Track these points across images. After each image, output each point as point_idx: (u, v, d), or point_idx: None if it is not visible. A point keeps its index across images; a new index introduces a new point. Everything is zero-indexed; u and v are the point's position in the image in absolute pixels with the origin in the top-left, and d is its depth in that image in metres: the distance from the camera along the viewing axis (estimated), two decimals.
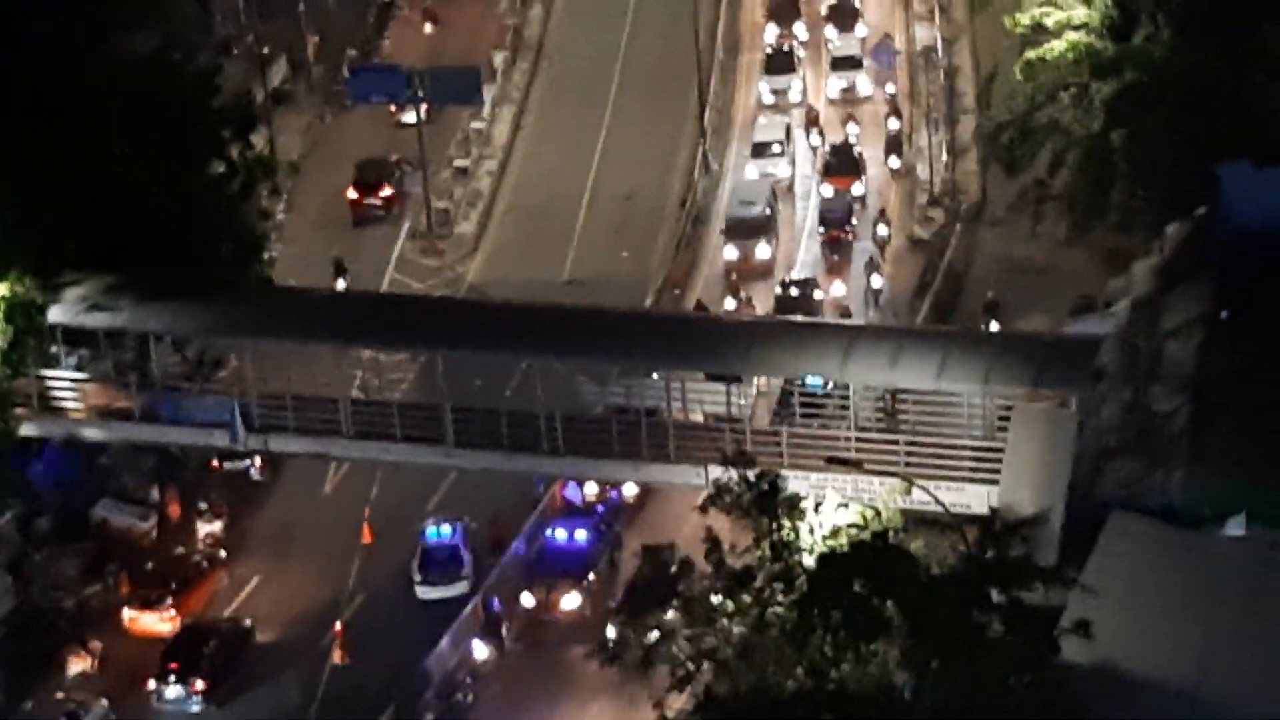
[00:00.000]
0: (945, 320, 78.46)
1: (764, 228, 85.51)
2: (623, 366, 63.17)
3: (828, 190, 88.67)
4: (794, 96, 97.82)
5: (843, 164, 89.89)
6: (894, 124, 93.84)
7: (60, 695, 64.27)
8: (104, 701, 64.21)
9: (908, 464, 57.93)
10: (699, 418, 62.23)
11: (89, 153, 69.77)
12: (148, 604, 68.41)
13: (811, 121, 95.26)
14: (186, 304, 66.79)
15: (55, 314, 66.31)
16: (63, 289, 66.73)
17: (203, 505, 72.57)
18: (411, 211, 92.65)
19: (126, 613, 68.42)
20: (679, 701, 50.22)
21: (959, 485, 57.09)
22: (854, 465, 56.77)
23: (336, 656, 64.36)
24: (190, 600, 69.15)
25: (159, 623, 67.96)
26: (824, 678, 46.59)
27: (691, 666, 49.36)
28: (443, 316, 68.73)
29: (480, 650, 64.67)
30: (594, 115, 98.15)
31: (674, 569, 52.42)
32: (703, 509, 53.51)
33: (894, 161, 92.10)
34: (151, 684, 64.53)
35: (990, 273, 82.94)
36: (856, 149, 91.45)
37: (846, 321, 76.41)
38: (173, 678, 64.24)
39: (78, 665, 66.50)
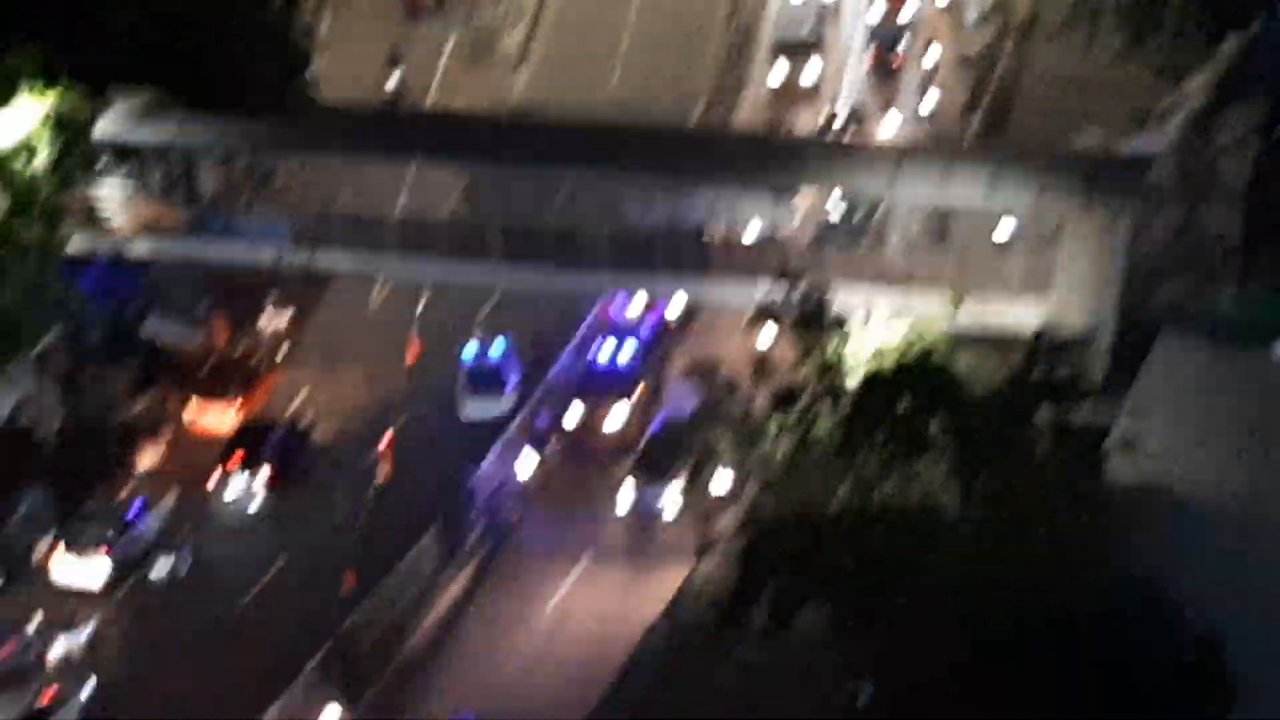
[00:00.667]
0: (997, 137, 77.73)
1: (811, 49, 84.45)
2: (670, 182, 62.76)
3: (878, 11, 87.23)
4: None
5: (886, 32, 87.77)
6: None
7: (126, 491, 64.96)
8: (170, 496, 64.83)
9: (956, 281, 57.60)
10: (747, 234, 61.96)
11: None
12: (211, 399, 68.79)
13: None
14: (234, 120, 66.58)
15: (103, 128, 66.14)
16: (111, 104, 66.53)
17: (272, 298, 72.59)
18: (457, 26, 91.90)
19: (189, 411, 68.78)
20: (725, 519, 50.43)
21: (1007, 303, 56.82)
22: (902, 281, 56.50)
23: (383, 473, 64.66)
24: (251, 399, 69.56)
25: (222, 419, 68.43)
26: (868, 496, 46.71)
27: (737, 485, 49.54)
28: (489, 133, 68.31)
29: (525, 466, 64.89)
30: None
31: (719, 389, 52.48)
32: (750, 326, 53.54)
33: None
34: (215, 477, 65.12)
35: (1041, 89, 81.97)
36: (902, 22, 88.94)
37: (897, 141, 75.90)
38: (237, 470, 64.87)
39: (145, 462, 67.13)
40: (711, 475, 50.43)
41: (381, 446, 65.67)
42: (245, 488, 65.12)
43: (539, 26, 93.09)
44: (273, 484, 65.08)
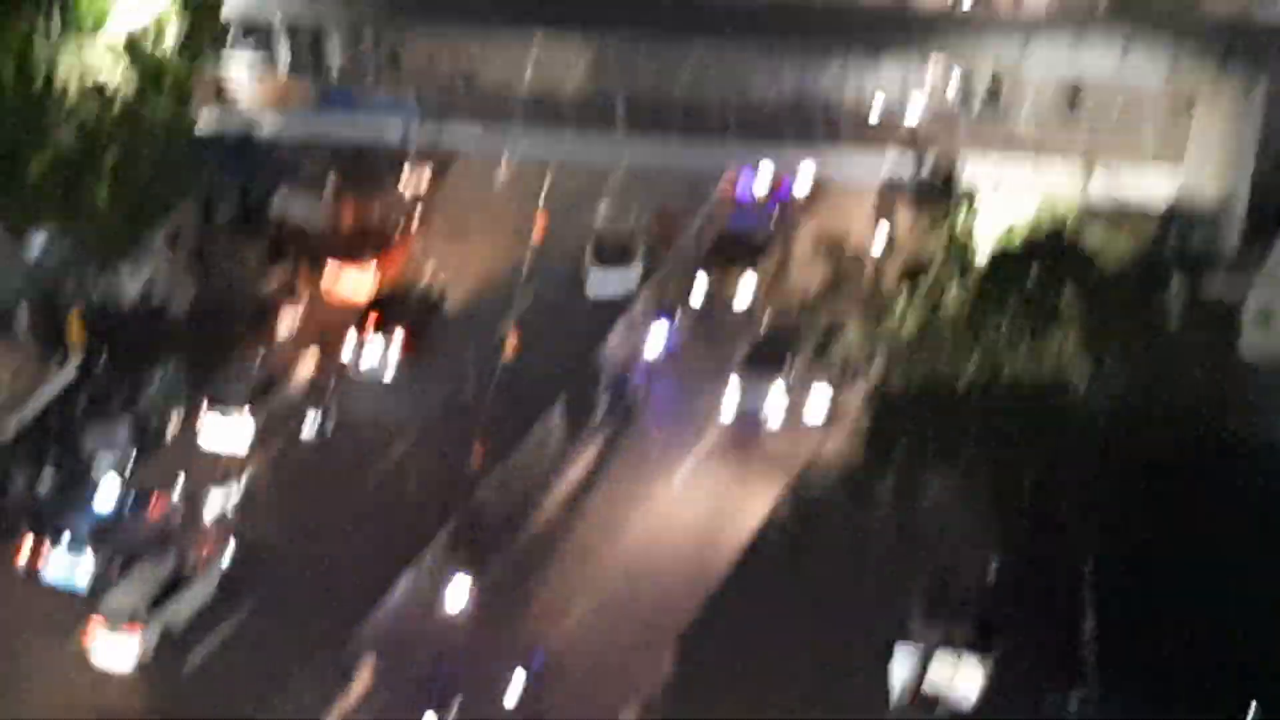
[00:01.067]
0: (1128, 4, 76.32)
1: None
2: (797, 53, 62.17)
3: None
4: None
5: None
6: None
7: (266, 356, 65.98)
8: (310, 360, 65.75)
9: (1087, 153, 56.83)
10: (875, 106, 61.37)
11: None
12: (348, 263, 69.44)
13: None
14: None
15: (231, 5, 66.26)
16: None
17: (410, 161, 72.77)
18: None
19: (326, 277, 69.41)
20: (851, 391, 50.26)
21: (1140, 175, 56.00)
22: (1032, 152, 55.80)
23: (510, 348, 64.82)
24: (387, 263, 69.99)
25: (358, 283, 69.04)
26: (997, 369, 46.37)
27: (864, 358, 49.33)
28: (615, 4, 67.81)
29: (653, 341, 64.87)
30: None
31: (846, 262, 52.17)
32: (878, 199, 53.19)
33: None
34: (350, 343, 65.75)
35: None
36: None
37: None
38: (371, 336, 65.48)
39: (283, 329, 68.04)
40: (838, 349, 50.17)
41: (508, 325, 65.85)
42: (381, 354, 65.51)
43: None
44: (406, 351, 65.48)
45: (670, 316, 65.79)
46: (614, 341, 64.26)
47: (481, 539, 57.30)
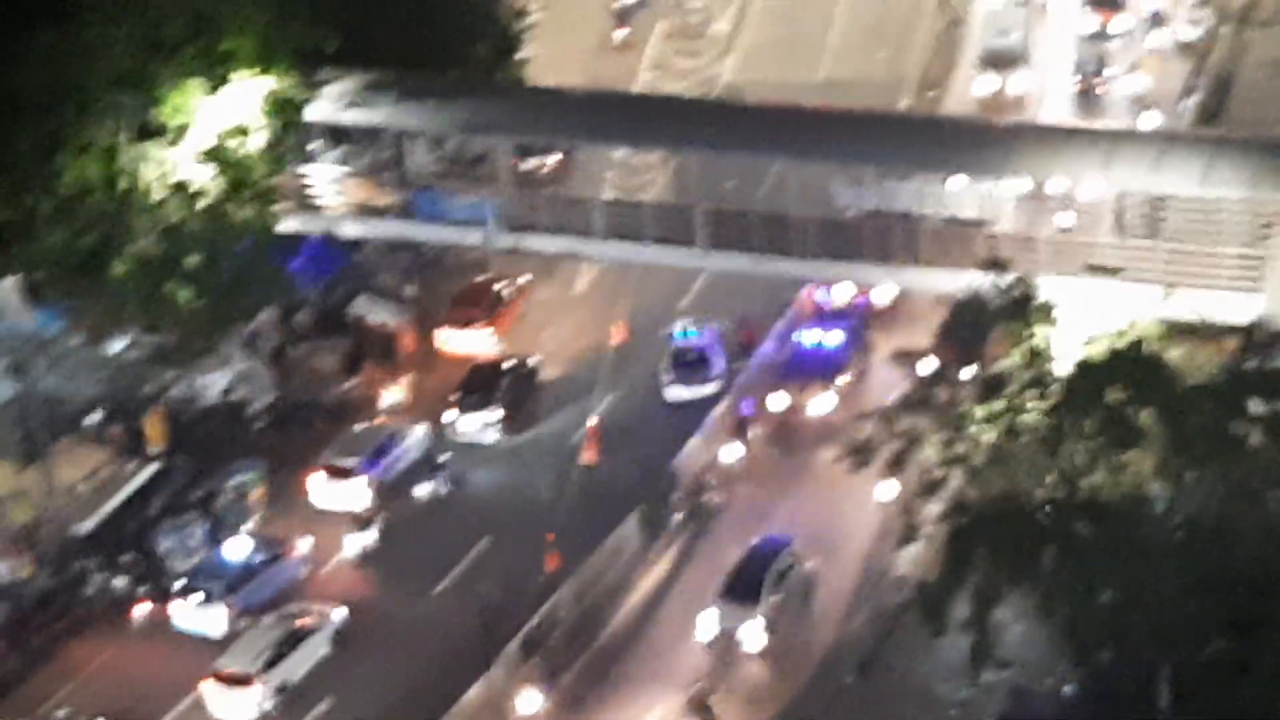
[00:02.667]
0: (1211, 124, 76.39)
1: (1019, 58, 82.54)
2: (878, 169, 62.37)
3: (1090, 22, 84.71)
4: None
5: None
6: None
7: (377, 420, 68.04)
8: (420, 428, 67.23)
9: (1168, 271, 56.73)
10: (956, 221, 61.39)
11: None
12: (465, 324, 71.53)
13: None
14: (444, 102, 67.14)
15: (315, 110, 66.98)
16: (322, 86, 67.38)
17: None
18: (668, 11, 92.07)
19: (441, 334, 71.38)
20: (928, 507, 50.09)
21: (1221, 293, 55.83)
22: (1112, 272, 55.71)
23: (588, 455, 64.92)
24: (500, 323, 72.16)
25: (475, 342, 71.12)
26: (1075, 486, 46.20)
27: (941, 473, 49.16)
28: (697, 117, 68.28)
29: (730, 452, 64.87)
30: None
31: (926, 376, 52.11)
32: (959, 311, 53.12)
33: None
34: (451, 413, 67.91)
35: (1259, 76, 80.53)
36: None
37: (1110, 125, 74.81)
38: (470, 406, 67.76)
39: (391, 395, 69.53)
40: (915, 462, 50.01)
41: (588, 428, 65.95)
42: (480, 423, 67.51)
43: (748, 11, 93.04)
44: (505, 422, 67.57)
45: (747, 425, 65.75)
46: (691, 449, 64.21)
47: (553, 649, 57.22)
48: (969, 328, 51.73)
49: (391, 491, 64.64)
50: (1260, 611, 42.96)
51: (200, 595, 59.85)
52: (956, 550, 46.04)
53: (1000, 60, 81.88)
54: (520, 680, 55.60)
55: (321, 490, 64.77)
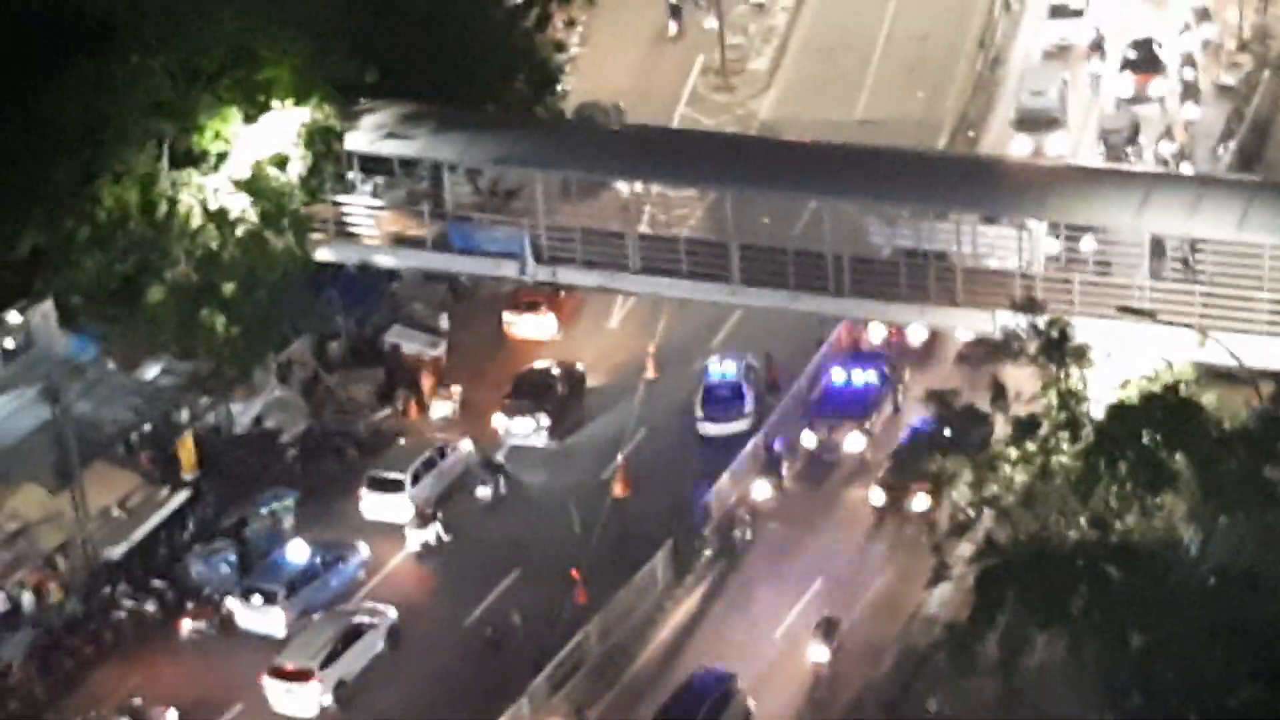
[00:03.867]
0: (1249, 169, 76.18)
1: (1056, 120, 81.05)
2: (913, 208, 62.36)
3: (1125, 86, 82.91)
4: None
5: (1143, 59, 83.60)
6: None
7: (429, 435, 69.09)
8: (465, 442, 68.12)
9: (1203, 315, 56.59)
10: (991, 262, 61.30)
11: None
12: (529, 309, 73.07)
13: None
14: (480, 134, 67.36)
15: (352, 141, 67.18)
16: (360, 116, 67.60)
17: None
18: (706, 48, 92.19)
19: (507, 317, 72.72)
20: (958, 548, 49.98)
21: (1256, 338, 55.65)
22: (1147, 315, 55.57)
23: (618, 489, 64.90)
24: (561, 310, 73.88)
25: (538, 327, 72.85)
26: (1108, 529, 46.06)
27: (972, 513, 49.05)
28: (733, 153, 68.35)
29: (760, 489, 64.80)
30: None
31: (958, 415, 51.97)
32: (992, 353, 53.09)
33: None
34: (500, 418, 69.15)
35: None
36: (1158, 44, 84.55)
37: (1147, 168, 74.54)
38: (520, 413, 68.95)
39: (442, 408, 70.64)
40: (948, 501, 49.93)
41: (618, 462, 65.95)
42: (530, 427, 68.74)
43: (787, 49, 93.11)
44: (553, 427, 68.87)
45: (780, 462, 65.68)
46: (722, 485, 64.14)
47: (581, 680, 57.19)
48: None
49: (441, 501, 65.99)
50: None
51: (261, 596, 61.20)
52: (986, 591, 45.88)
53: (1036, 121, 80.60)
54: (547, 714, 55.53)
55: (369, 503, 65.74)
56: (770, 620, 59.96)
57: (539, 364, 71.39)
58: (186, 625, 61.51)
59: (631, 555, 61.30)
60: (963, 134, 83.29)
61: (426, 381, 70.93)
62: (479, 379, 72.04)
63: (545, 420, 68.83)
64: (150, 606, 62.05)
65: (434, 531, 64.32)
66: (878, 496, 62.59)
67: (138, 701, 57.85)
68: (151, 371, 67.50)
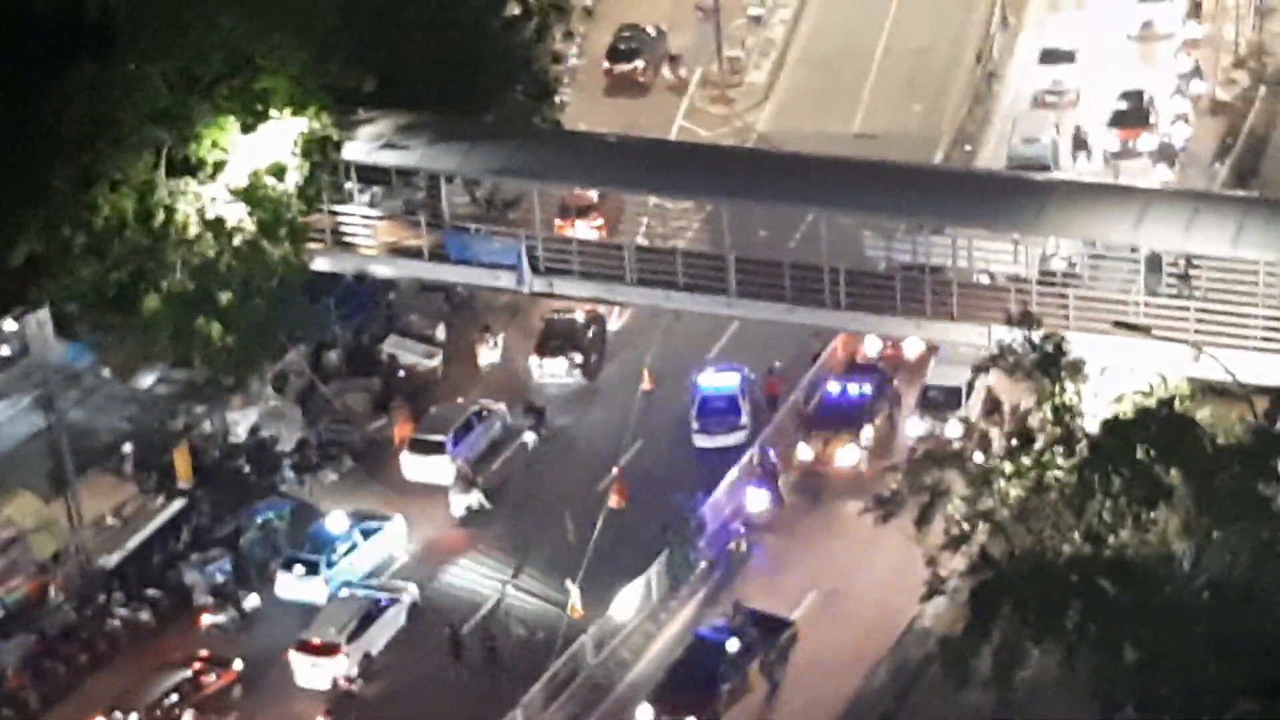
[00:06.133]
0: (1245, 185, 76.30)
1: (1047, 167, 78.86)
2: (910, 222, 62.46)
3: (1112, 141, 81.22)
4: None
5: (1131, 112, 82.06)
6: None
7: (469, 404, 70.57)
8: (500, 405, 70.35)
9: (1198, 331, 56.69)
10: (987, 275, 61.42)
11: None
12: (579, 216, 74.69)
13: None
14: (478, 145, 67.36)
15: (350, 151, 67.23)
16: (358, 126, 67.64)
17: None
18: (703, 60, 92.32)
19: (559, 225, 73.42)
20: (953, 561, 50.01)
21: (1251, 354, 55.76)
22: (1142, 330, 55.67)
23: (614, 500, 64.92)
24: (607, 218, 74.87)
25: (588, 230, 73.89)
26: (1102, 543, 46.11)
27: (967, 526, 49.10)
28: (730, 166, 68.36)
29: (756, 500, 64.83)
30: None
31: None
32: (984, 369, 53.12)
33: (1193, 29, 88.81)
34: (534, 359, 72.65)
35: None
36: (1148, 95, 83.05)
37: (1143, 184, 74.58)
38: (554, 350, 72.53)
39: (486, 355, 73.91)
40: (943, 514, 49.95)
41: (613, 474, 65.95)
42: (564, 367, 72.31)
43: (784, 62, 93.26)
44: (584, 366, 72.58)
45: (775, 475, 65.70)
46: (717, 497, 64.17)
47: (577, 693, 57.22)
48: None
49: (482, 462, 68.09)
50: None
51: (304, 566, 62.57)
52: (981, 605, 45.95)
53: (1027, 169, 78.12)
54: None
55: (411, 465, 67.57)
56: None
57: (565, 313, 73.59)
58: (206, 619, 62.04)
59: (627, 567, 61.27)
60: (960, 148, 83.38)
61: (401, 431, 70.74)
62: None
63: (578, 359, 72.21)
64: (144, 615, 62.02)
65: (476, 497, 65.95)
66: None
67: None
68: (147, 380, 67.54)
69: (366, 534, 64.24)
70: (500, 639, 59.62)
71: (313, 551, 63.10)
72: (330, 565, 62.72)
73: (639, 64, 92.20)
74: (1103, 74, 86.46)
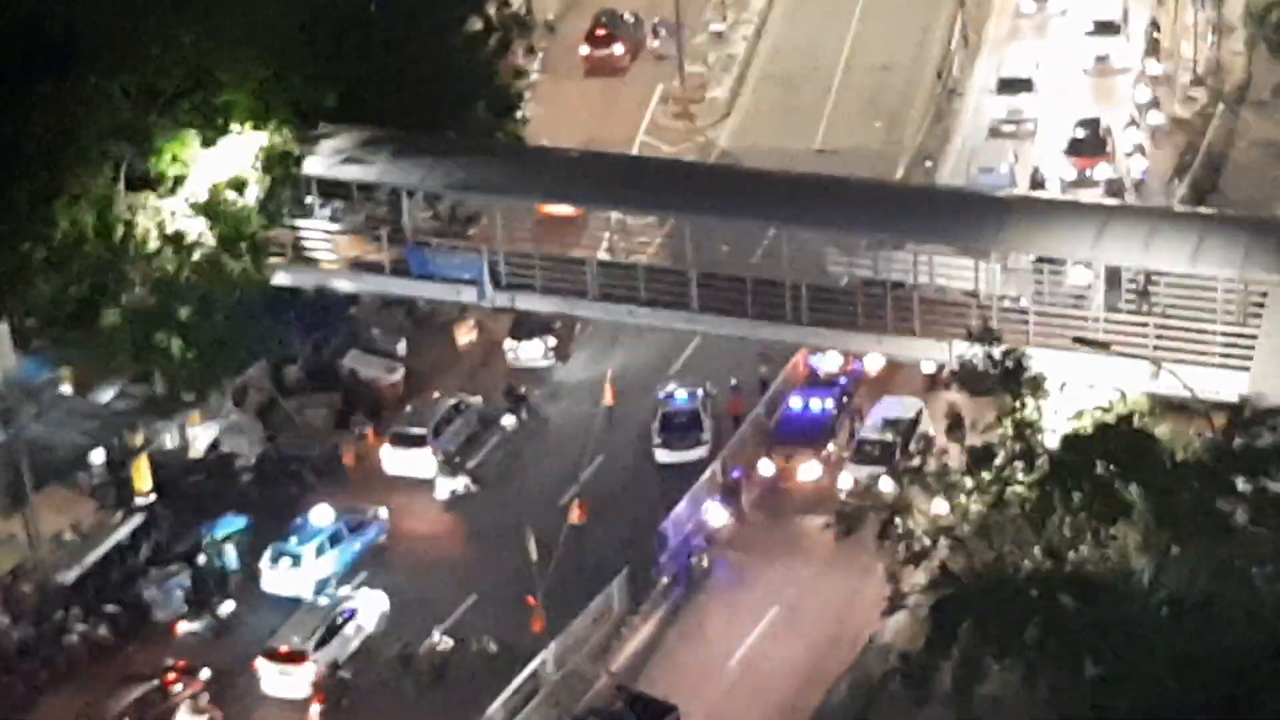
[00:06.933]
0: (1203, 202, 76.65)
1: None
2: (871, 238, 62.60)
3: (1068, 170, 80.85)
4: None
5: (1088, 141, 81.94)
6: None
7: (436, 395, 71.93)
8: (477, 399, 71.75)
9: (1157, 347, 56.93)
10: (948, 291, 61.55)
11: (347, 5, 70.60)
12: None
13: None
14: (440, 160, 67.36)
15: (311, 165, 67.16)
16: (319, 141, 67.59)
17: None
18: (665, 74, 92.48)
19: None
20: (914, 576, 50.08)
21: (1209, 370, 55.98)
22: (1102, 346, 55.87)
23: (575, 516, 64.87)
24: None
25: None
26: (1061, 559, 46.23)
27: (928, 542, 49.18)
28: (692, 181, 68.53)
29: (717, 516, 64.84)
30: None
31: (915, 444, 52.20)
32: (944, 384, 53.29)
33: (1153, 66, 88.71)
34: (509, 342, 74.33)
35: (1251, 156, 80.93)
36: (1105, 125, 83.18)
37: (1102, 200, 74.88)
38: (528, 334, 74.16)
39: (464, 335, 76.13)
40: (904, 529, 50.03)
41: (574, 490, 65.92)
42: (539, 350, 74.09)
43: (746, 78, 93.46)
44: (557, 349, 74.25)
45: (736, 490, 65.74)
46: (679, 513, 64.14)
47: (536, 709, 57.11)
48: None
49: (457, 457, 68.74)
50: (1244, 691, 42.88)
51: (289, 560, 63.08)
52: (941, 620, 45.99)
53: None
54: None
55: (393, 459, 68.60)
56: (726, 648, 59.95)
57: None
58: (183, 626, 62.04)
59: (588, 583, 61.23)
60: (920, 164, 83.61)
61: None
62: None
63: (552, 342, 73.67)
64: (103, 630, 61.75)
65: (462, 481, 67.20)
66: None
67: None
68: (107, 395, 67.27)
69: (350, 528, 64.71)
70: (457, 654, 59.46)
71: (299, 544, 63.49)
72: (317, 558, 63.14)
73: (616, 49, 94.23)
74: (1062, 103, 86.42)
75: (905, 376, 69.87)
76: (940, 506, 49.09)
